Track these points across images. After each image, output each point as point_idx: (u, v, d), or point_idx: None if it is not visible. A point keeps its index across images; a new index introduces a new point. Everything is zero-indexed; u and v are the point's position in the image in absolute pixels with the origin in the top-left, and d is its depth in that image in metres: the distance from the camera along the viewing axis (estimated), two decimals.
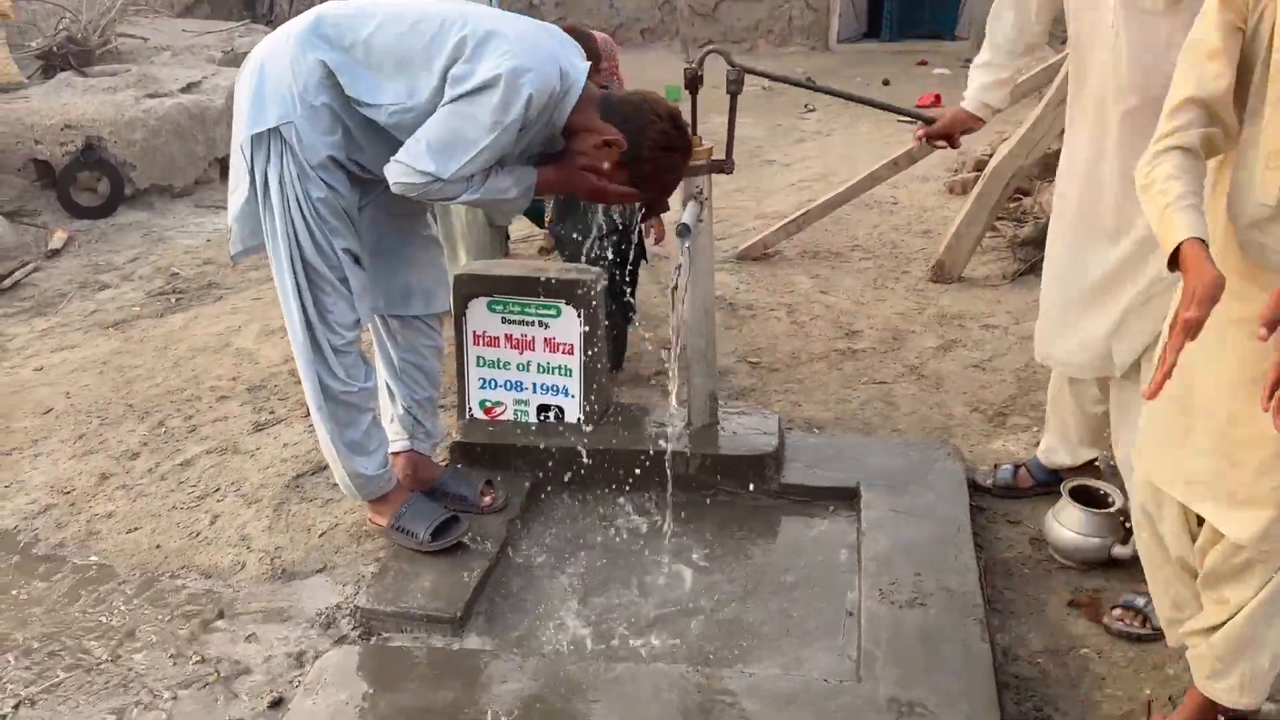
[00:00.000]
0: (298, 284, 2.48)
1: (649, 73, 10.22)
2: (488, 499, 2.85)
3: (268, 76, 2.42)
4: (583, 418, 3.10)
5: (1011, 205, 5.02)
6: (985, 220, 4.51)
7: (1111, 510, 2.68)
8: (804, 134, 7.60)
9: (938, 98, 8.34)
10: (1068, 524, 2.69)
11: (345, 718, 2.18)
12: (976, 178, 5.88)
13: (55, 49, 6.70)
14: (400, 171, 2.37)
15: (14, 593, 2.79)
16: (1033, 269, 4.57)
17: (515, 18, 2.49)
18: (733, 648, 2.44)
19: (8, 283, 5.05)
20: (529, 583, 2.68)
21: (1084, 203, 2.55)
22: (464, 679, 2.28)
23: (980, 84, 2.84)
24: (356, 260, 2.54)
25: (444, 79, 2.32)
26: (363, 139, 2.46)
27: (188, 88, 6.38)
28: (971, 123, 2.90)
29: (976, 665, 2.26)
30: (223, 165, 6.45)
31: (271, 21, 9.79)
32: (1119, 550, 2.66)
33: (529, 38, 2.37)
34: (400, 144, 2.38)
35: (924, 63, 10.19)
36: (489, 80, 2.27)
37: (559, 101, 2.40)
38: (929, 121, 2.94)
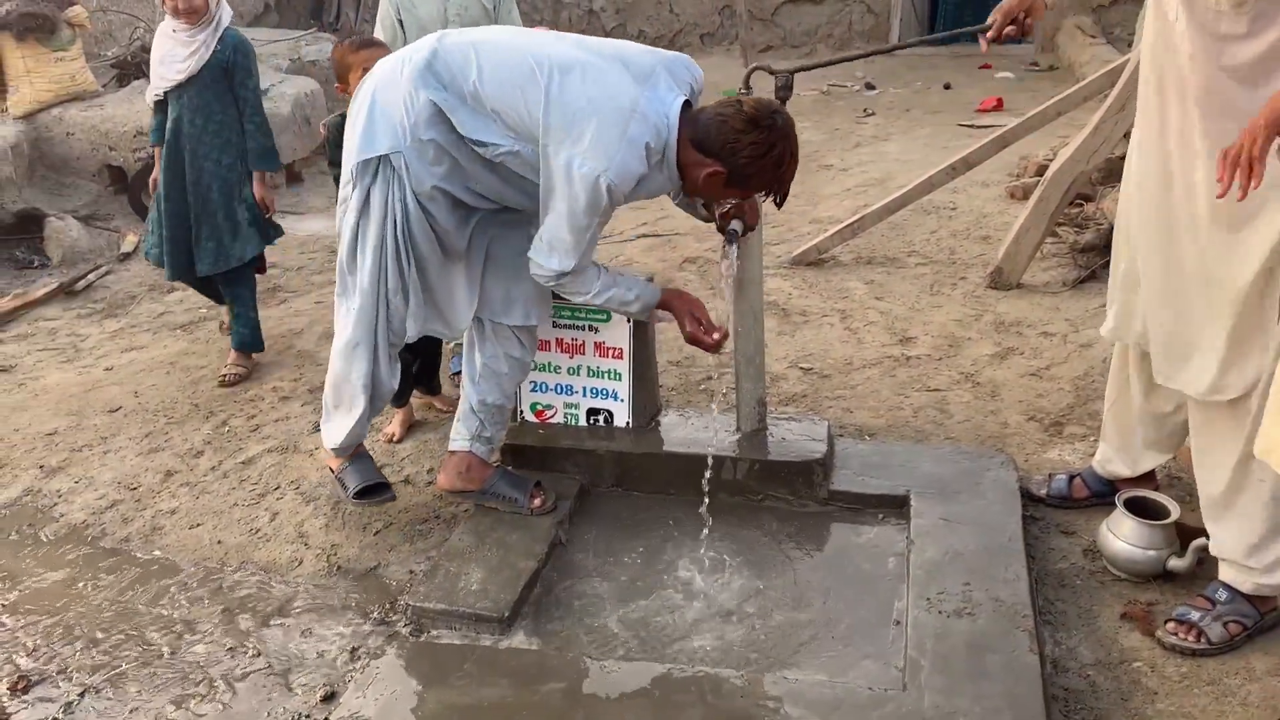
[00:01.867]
0: (378, 292, 2.71)
1: (709, 76, 10.24)
2: (537, 501, 2.89)
3: (379, 105, 2.62)
4: (631, 422, 3.13)
5: (1073, 211, 4.95)
6: (1045, 226, 4.44)
7: (1168, 522, 2.64)
8: (861, 139, 7.54)
9: (1000, 102, 8.22)
10: (1122, 535, 2.65)
11: (395, 713, 2.23)
12: (1038, 182, 5.81)
13: (129, 58, 6.90)
14: (535, 269, 2.65)
15: (80, 585, 2.90)
16: (1094, 276, 4.51)
17: (597, 68, 2.53)
18: (777, 654, 2.45)
19: (81, 285, 5.22)
20: (576, 584, 2.71)
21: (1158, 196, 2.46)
22: (511, 678, 2.31)
23: None
24: (425, 284, 2.78)
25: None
26: (474, 171, 2.64)
27: None
28: (1033, 1, 2.68)
29: (1024, 676, 2.24)
30: (289, 171, 6.59)
31: (338, 30, 9.97)
32: (1174, 563, 2.61)
33: (608, 118, 2.44)
34: (512, 174, 2.61)
35: (987, 66, 10.04)
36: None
37: (659, 154, 2.51)
38: (986, 29, 2.75)
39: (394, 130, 2.58)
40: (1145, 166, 2.49)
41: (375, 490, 2.99)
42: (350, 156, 2.67)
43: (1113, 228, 4.67)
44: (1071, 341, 3.98)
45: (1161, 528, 2.63)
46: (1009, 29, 2.74)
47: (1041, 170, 5.79)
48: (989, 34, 2.77)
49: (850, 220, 4.99)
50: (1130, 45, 9.88)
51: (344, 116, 3.05)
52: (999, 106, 8.15)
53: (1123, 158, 4.79)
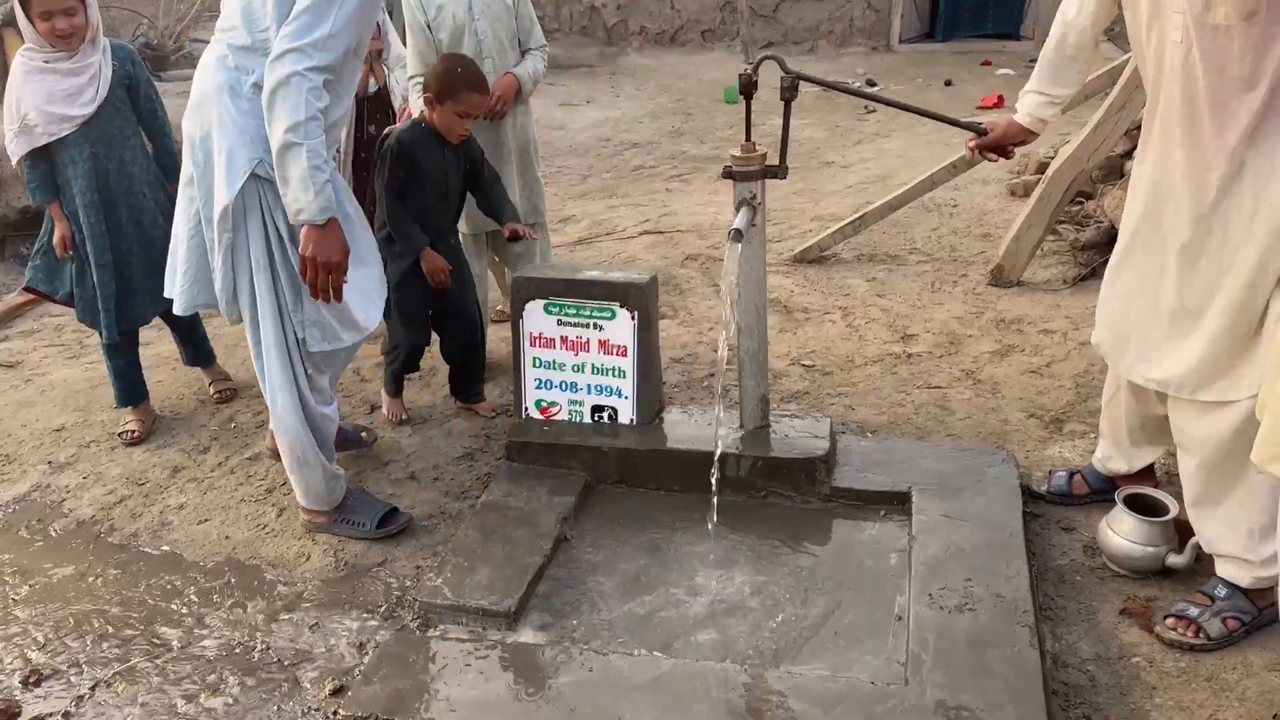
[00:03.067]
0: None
1: (710, 73, 10.28)
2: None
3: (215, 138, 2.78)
4: (636, 418, 3.15)
5: (1073, 209, 4.97)
6: (1045, 224, 4.47)
7: (1166, 519, 2.66)
8: (863, 136, 7.57)
9: (1000, 99, 8.25)
10: (1122, 532, 2.68)
11: (403, 706, 2.26)
12: (1039, 180, 5.83)
13: (152, 45, 6.94)
14: (282, 69, 2.50)
15: (90, 580, 2.92)
16: (1094, 273, 4.53)
17: None
18: (781, 649, 2.47)
19: None
20: (582, 579, 2.74)
21: (1152, 216, 2.50)
22: (518, 672, 2.34)
23: (1035, 101, 2.81)
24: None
25: None
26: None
27: None
28: (1024, 135, 2.88)
29: (1025, 671, 2.27)
30: None
31: None
32: (1173, 559, 2.64)
33: None
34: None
35: (988, 63, 10.08)
36: None
37: None
38: (981, 132, 2.91)
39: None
40: (1150, 180, 2.50)
41: (392, 516, 3.02)
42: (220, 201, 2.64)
43: (1113, 225, 4.74)
44: (1072, 339, 4.01)
45: (1160, 524, 2.66)
46: (991, 154, 2.96)
47: (1042, 168, 5.82)
48: (972, 143, 2.96)
49: (852, 218, 5.02)
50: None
51: (414, 131, 3.28)
52: (1000, 104, 8.18)
53: (1123, 155, 4.86)
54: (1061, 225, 4.85)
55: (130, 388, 3.70)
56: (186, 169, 2.78)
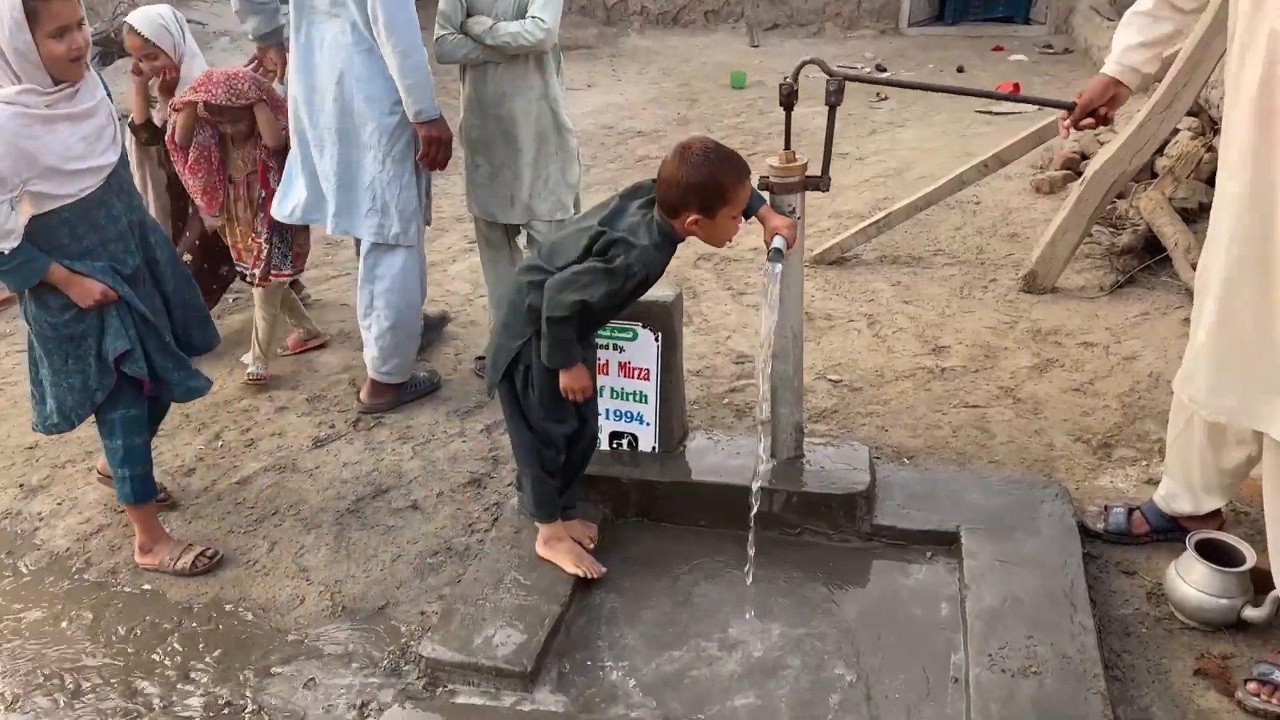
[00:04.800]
0: None
1: (714, 56, 9.98)
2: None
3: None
4: (658, 446, 2.92)
5: (1107, 209, 4.73)
6: (1083, 228, 4.23)
7: (1243, 569, 2.44)
8: (876, 125, 7.30)
9: (1016, 86, 7.99)
10: (1193, 582, 2.45)
11: None
12: (1065, 176, 5.60)
13: (113, 35, 6.60)
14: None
15: (63, 625, 2.69)
16: (1132, 280, 4.31)
17: None
18: (824, 717, 2.25)
19: None
20: (604, 632, 2.51)
21: (1254, 238, 2.17)
22: None
23: (1128, 42, 2.43)
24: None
25: None
26: None
27: None
28: (1118, 89, 2.48)
29: None
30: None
31: None
32: (1250, 613, 2.42)
33: None
34: None
35: (1000, 49, 9.81)
36: None
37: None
38: (1069, 108, 2.55)
39: None
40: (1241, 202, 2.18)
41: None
42: None
43: (1150, 228, 4.50)
44: (1114, 353, 3.78)
45: (1236, 575, 2.44)
46: (1087, 120, 2.56)
47: (1068, 163, 5.59)
48: (1068, 120, 2.59)
49: (876, 218, 4.77)
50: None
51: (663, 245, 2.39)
52: (1016, 90, 7.91)
53: (1156, 151, 4.61)
54: (1096, 228, 4.61)
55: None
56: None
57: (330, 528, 2.97)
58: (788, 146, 2.59)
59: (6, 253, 2.43)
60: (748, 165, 2.35)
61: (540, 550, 2.62)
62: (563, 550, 2.60)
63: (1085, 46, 9.12)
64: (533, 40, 3.31)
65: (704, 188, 2.28)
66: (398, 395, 3.64)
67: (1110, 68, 2.49)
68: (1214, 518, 2.71)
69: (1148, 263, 4.38)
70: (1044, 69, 8.94)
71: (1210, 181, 4.92)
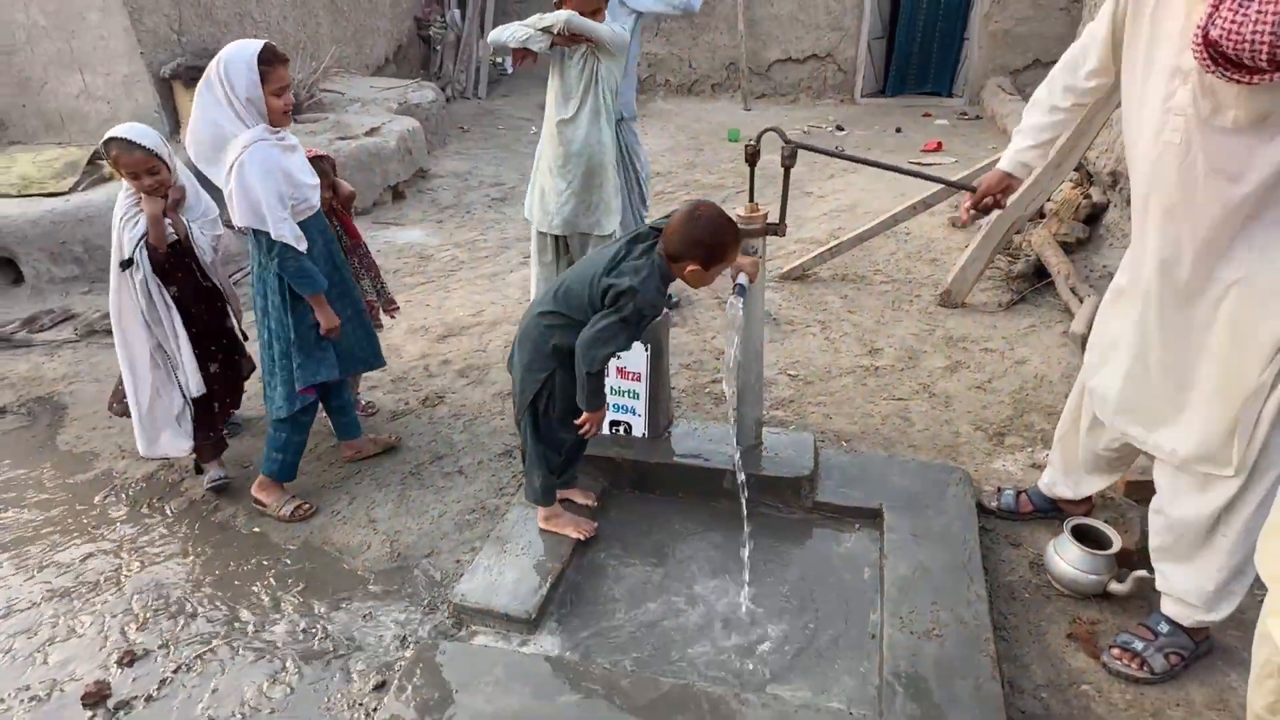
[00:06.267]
0: None
1: (717, 118, 9.52)
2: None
3: None
4: (647, 433, 2.61)
5: (1007, 242, 4.31)
6: (988, 257, 3.84)
7: (1111, 552, 2.11)
8: (835, 171, 6.83)
9: (939, 144, 7.49)
10: (1068, 559, 2.13)
11: (429, 718, 1.77)
12: (973, 215, 5.16)
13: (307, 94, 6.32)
14: None
15: (189, 559, 2.45)
16: (1023, 299, 3.91)
17: None
18: (768, 664, 1.96)
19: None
20: (596, 584, 2.23)
21: (1162, 302, 1.77)
22: (532, 687, 1.84)
23: (1021, 145, 2.10)
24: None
25: None
26: None
27: (370, 132, 5.95)
28: (1010, 182, 2.16)
29: (988, 704, 1.74)
30: (394, 191, 6.03)
31: (439, 77, 9.29)
32: (1115, 587, 2.09)
33: None
34: None
35: (928, 114, 9.22)
36: None
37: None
38: (972, 190, 2.23)
39: None
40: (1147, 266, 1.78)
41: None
42: None
43: (1039, 259, 4.09)
44: (1008, 358, 3.41)
45: (1104, 556, 2.10)
46: (987, 201, 2.19)
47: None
48: (968, 203, 2.22)
49: (830, 244, 4.38)
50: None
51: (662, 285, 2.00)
52: (939, 147, 7.43)
53: (1049, 198, 4.17)
54: (997, 257, 4.20)
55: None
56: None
57: (396, 487, 2.71)
58: (751, 199, 2.24)
59: (304, 251, 2.33)
60: (740, 232, 2.03)
61: (541, 524, 2.32)
62: (561, 521, 2.31)
63: (991, 114, 8.56)
64: (610, 37, 2.94)
65: (709, 246, 1.95)
66: None
67: (1006, 164, 2.13)
68: (1085, 502, 2.37)
69: (1036, 285, 3.97)
70: (961, 130, 8.37)
71: (1087, 221, 4.49)
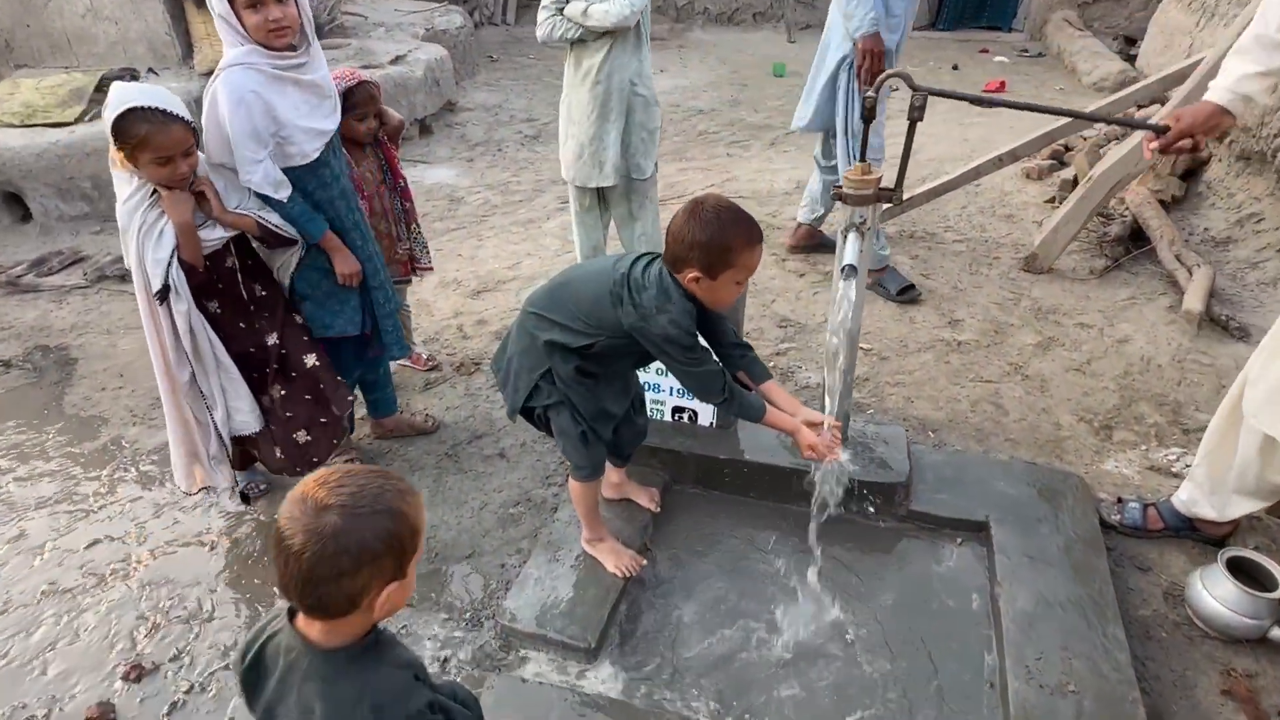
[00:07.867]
0: None
1: (760, 49, 8.84)
2: None
3: None
4: (714, 423, 2.26)
5: None
6: (1083, 221, 3.37)
7: (1276, 596, 1.75)
8: (890, 113, 6.25)
9: (1003, 84, 6.84)
10: (1222, 598, 1.77)
11: None
12: (1051, 165, 4.64)
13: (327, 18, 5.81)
14: None
15: (206, 550, 2.16)
16: (1118, 265, 3.46)
17: None
18: (872, 713, 1.64)
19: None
20: (662, 607, 1.91)
21: None
22: None
23: (1244, 71, 1.63)
24: None
25: None
26: None
27: (395, 60, 5.45)
28: (1223, 119, 1.68)
29: None
30: (421, 125, 5.57)
31: (466, 1, 8.63)
32: (1276, 633, 1.74)
33: None
34: None
35: (986, 50, 8.49)
36: None
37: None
38: (1160, 130, 1.73)
39: None
40: None
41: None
42: None
43: (1135, 220, 3.62)
44: (1108, 336, 2.99)
45: (1267, 600, 1.75)
46: (1183, 144, 1.68)
47: (1055, 154, 4.62)
48: (1157, 143, 1.72)
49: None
50: (1114, 39, 8.26)
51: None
52: (1002, 88, 6.78)
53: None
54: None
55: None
56: None
57: (431, 470, 2.39)
58: (863, 157, 1.82)
59: (285, 200, 1.91)
60: (760, 230, 1.57)
61: (584, 547, 1.98)
62: (604, 550, 1.95)
63: (1057, 51, 7.84)
64: (617, 19, 2.59)
65: (709, 247, 1.53)
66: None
67: (1220, 95, 1.65)
68: (1229, 524, 2.00)
69: (1133, 251, 3.51)
70: (1022, 69, 7.67)
71: (1184, 177, 3.98)
